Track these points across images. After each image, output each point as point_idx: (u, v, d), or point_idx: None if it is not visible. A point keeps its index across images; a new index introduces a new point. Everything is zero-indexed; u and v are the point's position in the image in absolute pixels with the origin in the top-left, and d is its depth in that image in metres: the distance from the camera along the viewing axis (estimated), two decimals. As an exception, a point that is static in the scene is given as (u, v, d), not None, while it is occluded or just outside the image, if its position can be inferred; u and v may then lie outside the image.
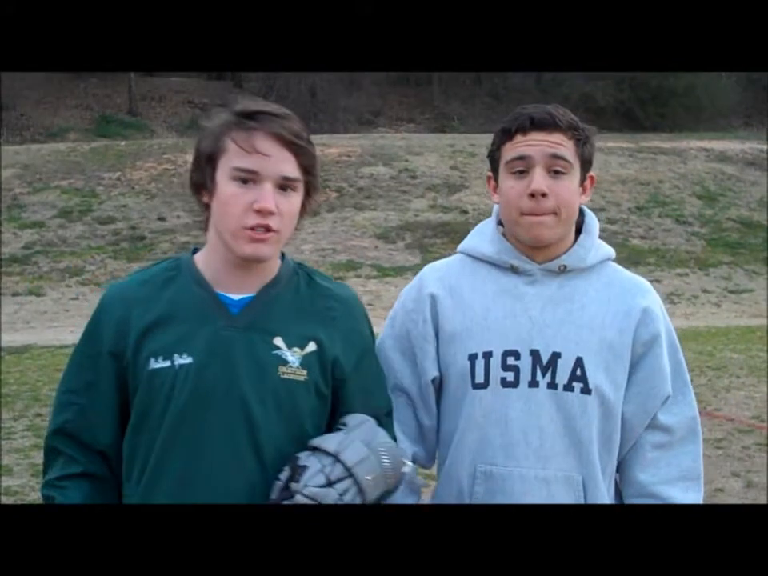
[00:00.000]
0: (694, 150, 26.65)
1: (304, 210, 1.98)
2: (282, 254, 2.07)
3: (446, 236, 19.84)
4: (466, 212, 21.41)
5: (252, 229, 1.89)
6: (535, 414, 2.12)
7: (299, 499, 1.85)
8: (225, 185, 1.90)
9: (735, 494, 6.38)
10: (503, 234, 2.25)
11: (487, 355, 2.15)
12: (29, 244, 19.36)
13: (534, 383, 2.13)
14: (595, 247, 2.24)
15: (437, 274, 2.28)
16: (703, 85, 35.89)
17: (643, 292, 2.23)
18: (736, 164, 25.79)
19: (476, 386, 2.15)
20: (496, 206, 2.27)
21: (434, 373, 2.22)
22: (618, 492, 2.25)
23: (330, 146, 24.67)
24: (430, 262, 2.37)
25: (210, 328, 1.95)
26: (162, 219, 20.18)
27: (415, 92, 39.95)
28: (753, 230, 22.32)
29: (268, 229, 1.90)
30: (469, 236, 2.33)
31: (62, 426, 2.01)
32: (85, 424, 1.99)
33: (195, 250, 2.07)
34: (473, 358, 2.16)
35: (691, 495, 2.19)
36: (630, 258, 18.75)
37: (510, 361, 2.14)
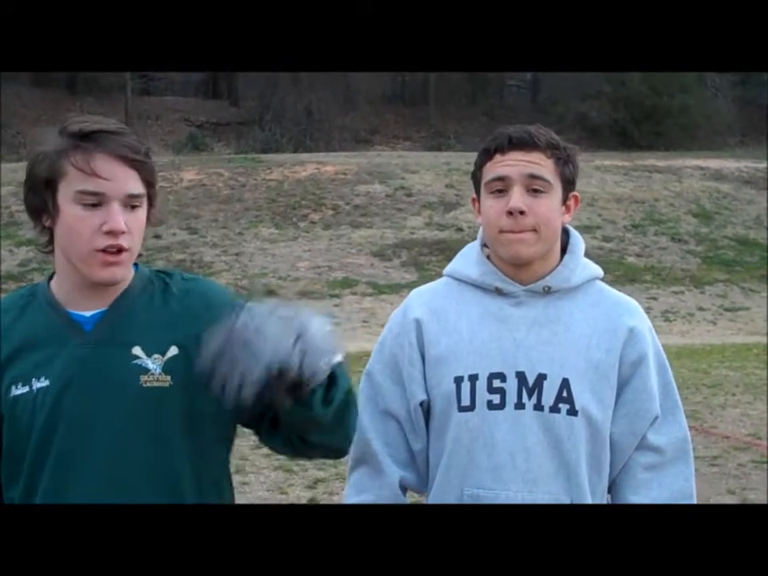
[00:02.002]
0: (690, 168, 26.78)
1: (149, 222, 1.95)
2: (135, 264, 2.02)
3: (442, 254, 19.87)
4: (461, 230, 21.48)
5: (104, 251, 1.86)
6: (522, 436, 2.11)
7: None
8: (69, 208, 1.86)
9: (732, 510, 6.37)
10: (488, 257, 2.24)
11: (473, 378, 2.13)
12: (24, 261, 19.37)
13: (520, 405, 2.11)
14: (581, 267, 2.22)
15: (422, 299, 2.27)
16: (698, 103, 36.05)
17: (630, 312, 2.21)
18: (732, 182, 25.91)
19: (462, 409, 2.14)
20: (481, 228, 2.26)
21: (421, 396, 2.20)
22: None
23: (326, 164, 24.77)
24: (426, 279, 2.37)
25: (64, 348, 1.91)
26: (157, 237, 20.16)
27: (411, 110, 40.12)
28: (749, 248, 22.40)
29: (120, 249, 1.86)
30: (454, 259, 2.32)
31: None
32: None
33: (52, 275, 2.02)
34: (458, 380, 2.14)
35: None
36: (625, 275, 18.75)
37: (496, 383, 2.12)
